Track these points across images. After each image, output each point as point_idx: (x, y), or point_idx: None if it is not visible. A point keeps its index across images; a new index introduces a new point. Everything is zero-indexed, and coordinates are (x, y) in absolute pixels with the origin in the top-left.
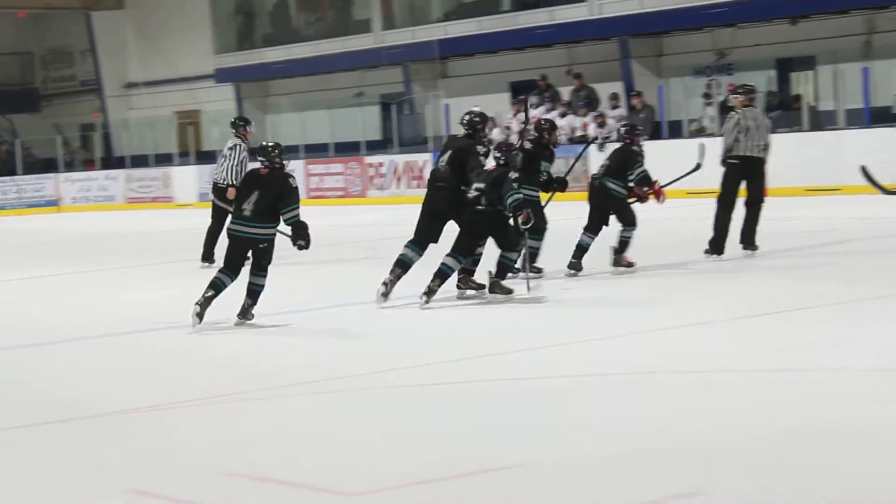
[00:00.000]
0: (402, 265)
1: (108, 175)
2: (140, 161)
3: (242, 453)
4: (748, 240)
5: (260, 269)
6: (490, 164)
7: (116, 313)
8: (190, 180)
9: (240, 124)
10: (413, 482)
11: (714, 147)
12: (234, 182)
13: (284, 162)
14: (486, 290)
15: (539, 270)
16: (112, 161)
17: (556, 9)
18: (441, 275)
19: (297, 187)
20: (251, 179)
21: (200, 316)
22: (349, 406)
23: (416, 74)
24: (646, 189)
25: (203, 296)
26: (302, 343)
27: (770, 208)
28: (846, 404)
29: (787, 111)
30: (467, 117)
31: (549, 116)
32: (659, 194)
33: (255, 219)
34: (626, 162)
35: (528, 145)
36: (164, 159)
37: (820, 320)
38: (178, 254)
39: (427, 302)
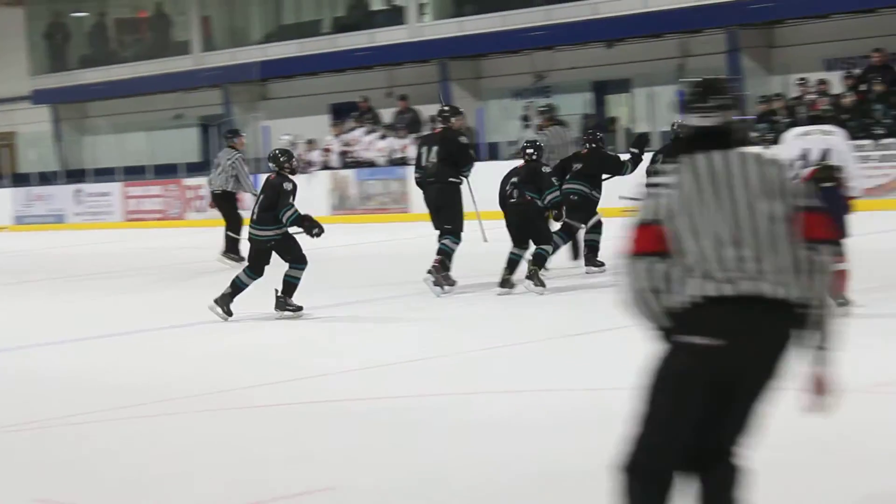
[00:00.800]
0: (444, 254)
1: None
2: None
3: (49, 478)
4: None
5: (293, 263)
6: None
7: None
8: (5, 203)
9: (229, 136)
10: None
11: None
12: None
13: (294, 165)
14: (525, 277)
15: (601, 264)
16: None
17: (376, 31)
18: (538, 259)
19: (290, 190)
20: (263, 184)
21: (227, 312)
22: (169, 429)
23: (235, 96)
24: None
25: (221, 293)
26: (126, 364)
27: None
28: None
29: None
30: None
31: (369, 139)
32: None
33: (258, 221)
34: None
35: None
36: None
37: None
38: None
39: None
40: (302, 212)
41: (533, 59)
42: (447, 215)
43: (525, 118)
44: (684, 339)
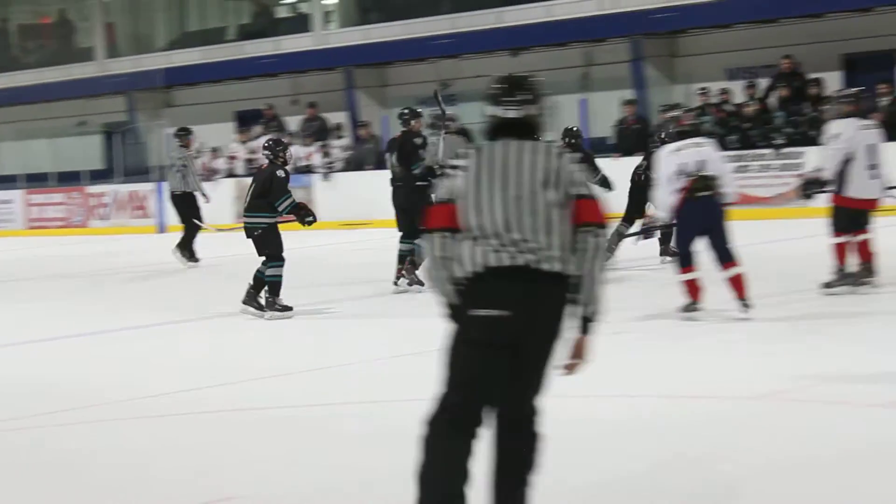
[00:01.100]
0: (400, 258)
1: None
2: None
3: None
4: None
5: (267, 259)
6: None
7: None
8: None
9: (181, 135)
10: None
11: None
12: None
13: (287, 156)
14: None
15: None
16: None
17: (282, 38)
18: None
19: (283, 179)
20: (255, 174)
21: (259, 308)
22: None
23: (139, 103)
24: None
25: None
26: (33, 372)
27: None
28: None
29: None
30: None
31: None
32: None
33: (249, 209)
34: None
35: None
36: None
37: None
38: None
39: None
40: (208, 220)
41: (438, 67)
42: (410, 218)
43: (432, 125)
44: (475, 311)
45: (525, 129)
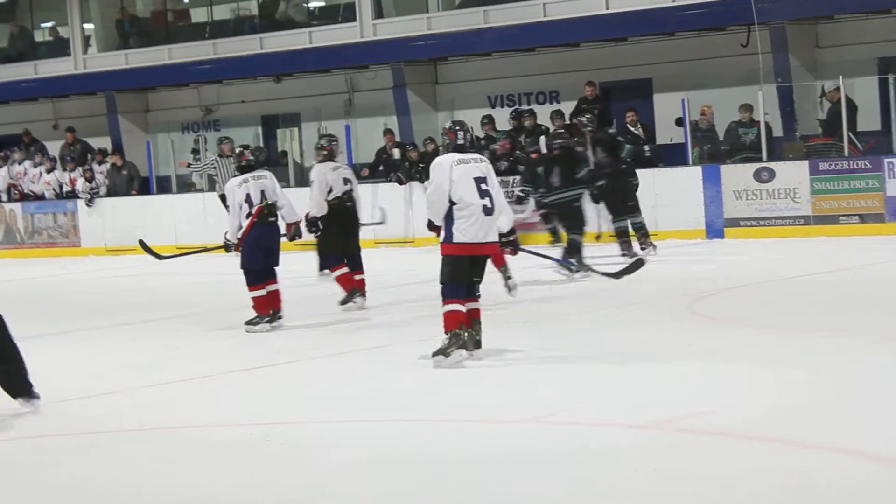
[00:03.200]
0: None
1: None
2: None
3: None
4: None
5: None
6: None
7: None
8: None
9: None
10: None
11: None
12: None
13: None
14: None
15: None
16: None
17: (41, 62)
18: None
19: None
20: None
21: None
22: None
23: None
24: None
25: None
26: None
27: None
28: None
29: (275, 167)
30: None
31: (35, 171)
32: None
33: None
34: None
35: None
36: None
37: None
38: None
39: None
40: None
41: (201, 93)
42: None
43: (195, 151)
44: None
45: None
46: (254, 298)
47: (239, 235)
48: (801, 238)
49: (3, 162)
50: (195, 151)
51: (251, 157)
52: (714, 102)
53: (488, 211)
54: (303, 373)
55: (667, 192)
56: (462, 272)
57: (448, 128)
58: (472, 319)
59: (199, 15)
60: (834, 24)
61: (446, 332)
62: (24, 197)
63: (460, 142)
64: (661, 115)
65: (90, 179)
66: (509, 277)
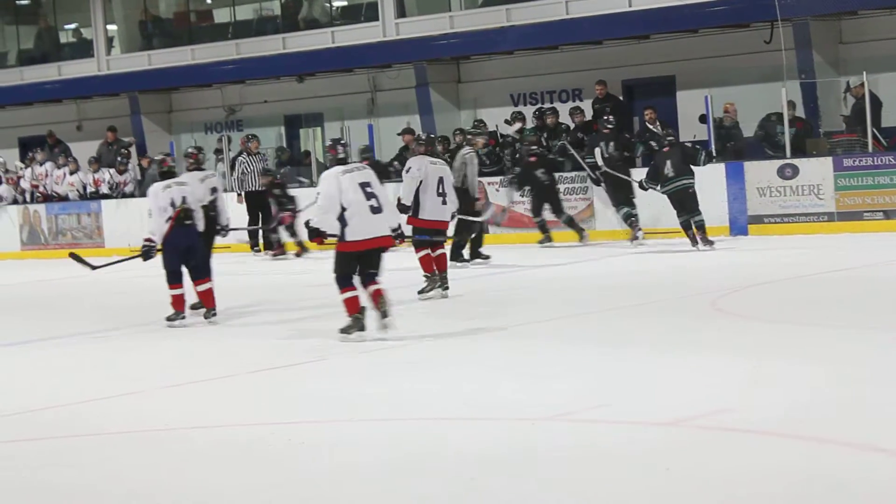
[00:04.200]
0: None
1: None
2: None
3: None
4: None
5: None
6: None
7: None
8: None
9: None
10: None
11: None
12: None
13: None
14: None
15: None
16: None
17: (64, 64)
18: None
19: None
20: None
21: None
22: None
23: None
24: None
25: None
26: None
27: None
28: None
29: (297, 166)
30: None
31: (59, 173)
32: None
33: None
34: None
35: None
36: None
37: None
38: None
39: None
40: None
41: (224, 93)
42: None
43: (218, 151)
44: None
45: None
46: (172, 296)
47: (160, 237)
48: (825, 235)
49: (29, 163)
50: (218, 151)
51: (172, 164)
52: (737, 99)
53: (375, 210)
54: (318, 372)
55: None
56: (350, 265)
57: (329, 145)
58: (379, 298)
59: (221, 15)
60: (858, 20)
61: (349, 316)
62: (47, 198)
63: (341, 156)
64: (684, 113)
65: (122, 173)
66: (446, 287)
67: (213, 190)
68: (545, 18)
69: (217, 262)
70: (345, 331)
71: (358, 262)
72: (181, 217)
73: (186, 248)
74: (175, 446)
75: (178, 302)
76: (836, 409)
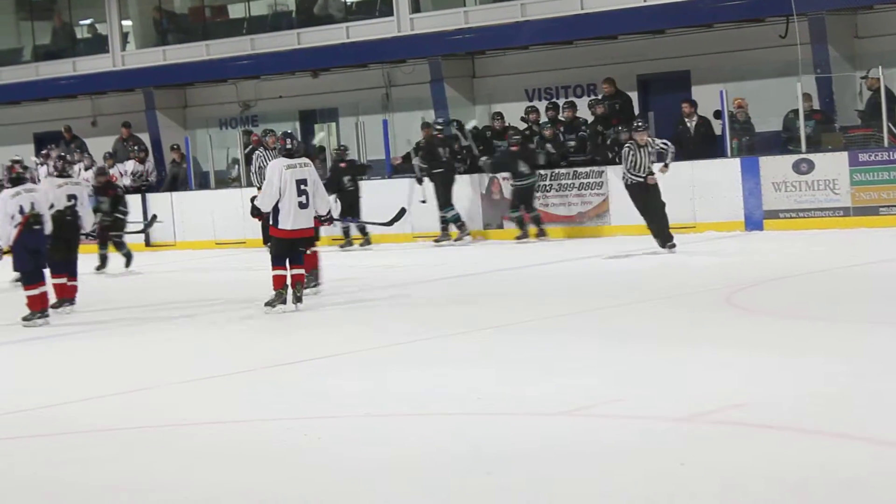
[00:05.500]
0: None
1: None
2: None
3: None
4: None
5: None
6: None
7: None
8: None
9: (263, 134)
10: None
11: None
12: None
13: None
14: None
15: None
16: None
17: (79, 59)
18: None
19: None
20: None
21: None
22: None
23: None
24: None
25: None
26: None
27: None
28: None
29: (312, 161)
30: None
31: (75, 168)
32: None
33: None
34: None
35: None
36: None
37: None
38: None
39: None
40: None
41: (239, 88)
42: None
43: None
44: None
45: None
46: (28, 297)
47: (10, 242)
48: (841, 230)
49: (45, 159)
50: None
51: (21, 171)
52: (752, 94)
53: (303, 206)
54: (335, 368)
55: (705, 184)
56: (284, 248)
57: (281, 136)
58: (296, 282)
59: (236, 11)
60: (873, 14)
61: (274, 290)
62: None
63: (289, 146)
64: (699, 108)
65: (143, 161)
66: (316, 283)
67: (71, 197)
68: (560, 13)
69: (230, 257)
70: (269, 304)
71: (290, 247)
72: (30, 222)
73: (35, 250)
74: (184, 443)
75: (34, 302)
76: (851, 404)
